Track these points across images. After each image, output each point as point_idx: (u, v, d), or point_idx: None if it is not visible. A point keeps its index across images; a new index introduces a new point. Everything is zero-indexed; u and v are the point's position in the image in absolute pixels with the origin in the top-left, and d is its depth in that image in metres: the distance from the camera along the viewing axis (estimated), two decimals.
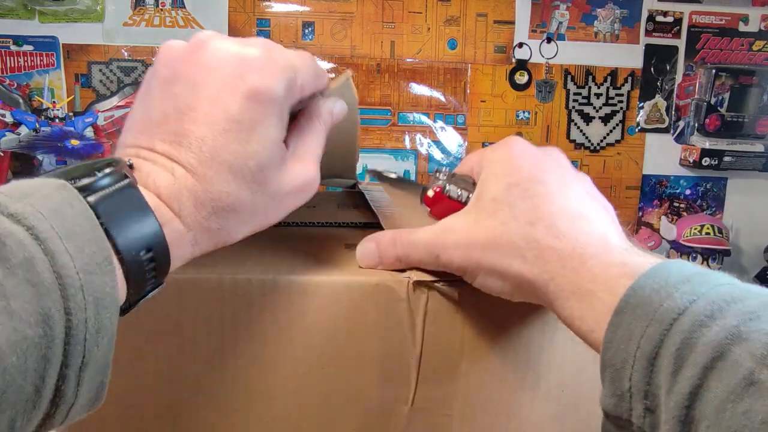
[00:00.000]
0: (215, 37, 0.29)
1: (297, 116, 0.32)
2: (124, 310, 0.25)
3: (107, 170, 0.24)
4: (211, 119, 0.27)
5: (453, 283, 0.32)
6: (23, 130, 1.02)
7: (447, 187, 0.36)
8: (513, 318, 0.33)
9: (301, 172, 0.30)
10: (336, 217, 0.46)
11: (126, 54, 1.10)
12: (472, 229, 0.31)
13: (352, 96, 0.35)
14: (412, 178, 1.18)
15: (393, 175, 0.50)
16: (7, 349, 0.18)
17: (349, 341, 0.32)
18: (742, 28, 1.22)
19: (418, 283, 0.32)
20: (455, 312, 0.32)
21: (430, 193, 0.38)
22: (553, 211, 0.29)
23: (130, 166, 0.26)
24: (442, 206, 0.35)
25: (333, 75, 1.17)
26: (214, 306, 0.31)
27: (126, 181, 0.24)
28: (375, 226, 0.44)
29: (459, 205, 0.34)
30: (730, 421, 0.20)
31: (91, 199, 0.23)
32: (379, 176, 0.52)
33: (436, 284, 0.32)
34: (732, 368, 0.21)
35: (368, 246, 0.33)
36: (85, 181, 0.23)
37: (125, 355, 0.31)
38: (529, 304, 0.31)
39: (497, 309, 0.33)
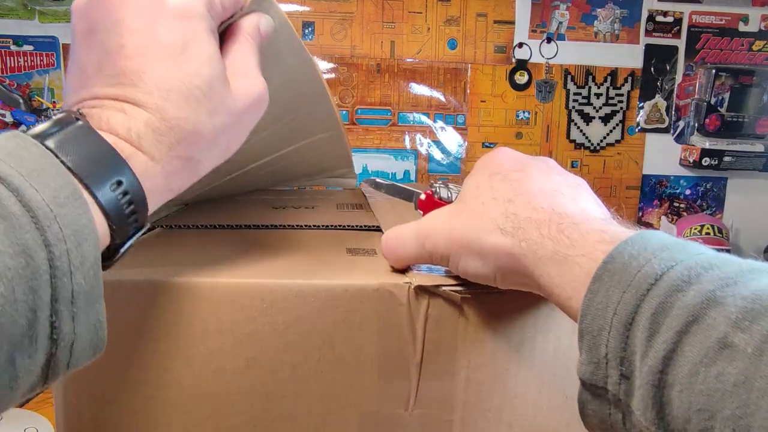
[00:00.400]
0: None
1: (224, 39, 0.31)
2: (112, 255, 0.25)
3: (58, 116, 0.24)
4: (143, 50, 0.26)
5: (454, 288, 0.32)
6: None
7: (437, 190, 0.38)
8: (516, 326, 0.33)
9: (249, 86, 0.30)
10: (336, 220, 0.45)
11: None
12: (455, 213, 0.31)
13: (277, 12, 0.33)
14: (413, 178, 1.18)
15: (388, 182, 0.51)
16: None
17: (348, 346, 0.31)
18: (742, 28, 1.22)
19: (419, 289, 0.31)
20: (456, 318, 0.32)
21: (422, 196, 0.40)
22: (532, 189, 0.30)
23: (80, 114, 0.25)
24: (433, 208, 0.35)
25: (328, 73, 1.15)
26: (209, 310, 0.31)
27: (79, 123, 0.24)
28: (375, 229, 0.44)
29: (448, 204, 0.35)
30: (703, 384, 0.20)
31: (49, 143, 0.23)
32: (375, 185, 0.52)
33: (437, 289, 0.32)
34: (706, 332, 0.21)
35: (383, 243, 0.33)
36: (38, 128, 0.23)
37: (117, 360, 0.31)
38: (533, 312, 0.31)
39: (500, 316, 0.32)
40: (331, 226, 0.43)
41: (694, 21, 1.20)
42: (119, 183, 0.24)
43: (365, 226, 0.44)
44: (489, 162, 0.32)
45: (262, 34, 0.33)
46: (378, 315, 0.31)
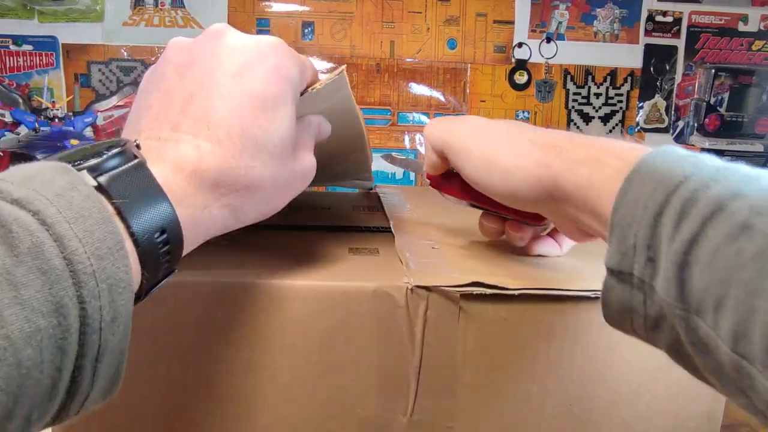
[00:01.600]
0: (229, 27, 0.29)
1: None
2: (138, 297, 0.24)
3: (115, 150, 0.23)
4: (238, 95, 0.26)
5: (453, 287, 0.30)
6: (23, 130, 1.01)
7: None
8: (519, 328, 0.32)
9: (307, 157, 0.31)
10: (348, 220, 0.44)
11: (125, 54, 1.08)
12: (490, 139, 0.34)
13: (346, 90, 0.34)
14: (412, 179, 1.16)
15: (402, 157, 0.52)
16: (21, 341, 0.17)
17: (346, 349, 0.30)
18: (741, 27, 1.20)
19: (417, 288, 0.30)
20: (456, 320, 0.31)
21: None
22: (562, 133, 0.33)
23: (137, 146, 0.25)
24: (444, 177, 0.38)
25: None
26: (207, 309, 0.30)
27: (135, 161, 0.23)
28: (385, 230, 0.43)
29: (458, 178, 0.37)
30: (722, 260, 0.22)
31: (102, 180, 0.22)
32: (390, 159, 0.53)
33: (435, 289, 0.30)
34: (729, 218, 0.23)
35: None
36: (92, 161, 0.22)
37: None
38: (536, 317, 0.30)
39: (502, 317, 0.31)
40: (340, 226, 0.42)
41: (693, 21, 1.18)
42: (163, 231, 0.23)
43: (373, 227, 0.43)
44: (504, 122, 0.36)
45: (321, 134, 0.34)
46: (376, 318, 0.30)
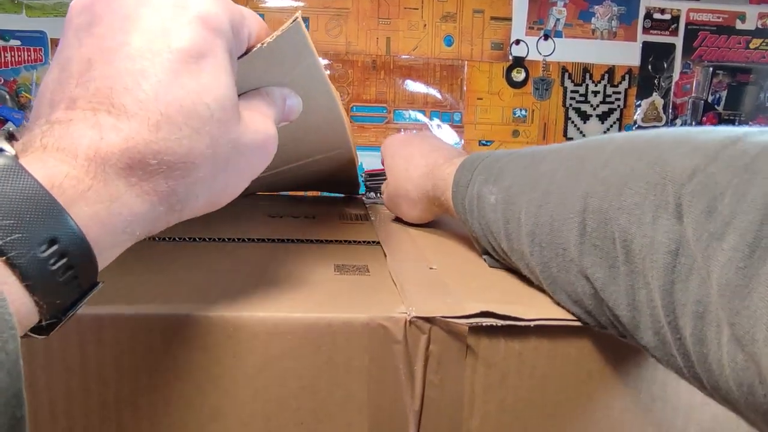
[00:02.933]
0: None
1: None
2: (49, 326, 0.18)
3: None
4: (151, 51, 0.20)
5: (461, 318, 0.25)
6: (10, 127, 0.94)
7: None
8: (536, 368, 0.26)
9: (261, 124, 0.23)
10: (333, 232, 0.38)
11: None
12: (390, 189, 0.48)
13: (305, 44, 0.26)
14: None
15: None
16: None
17: (333, 393, 0.24)
18: (739, 26, 1.15)
19: (417, 320, 0.24)
20: (463, 356, 0.25)
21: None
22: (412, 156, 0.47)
23: (10, 136, 0.18)
24: None
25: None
26: (165, 347, 0.24)
27: (3, 159, 0.17)
28: (374, 243, 0.37)
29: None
30: (476, 208, 0.35)
31: None
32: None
33: (439, 320, 0.25)
34: (483, 198, 0.35)
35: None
36: None
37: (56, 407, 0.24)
38: (554, 352, 0.24)
39: (516, 353, 0.25)
40: (325, 240, 0.37)
41: (691, 18, 1.13)
42: (53, 242, 0.17)
43: (362, 240, 0.37)
44: (386, 152, 0.50)
45: (287, 112, 0.27)
46: (369, 355, 0.24)
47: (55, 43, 0.99)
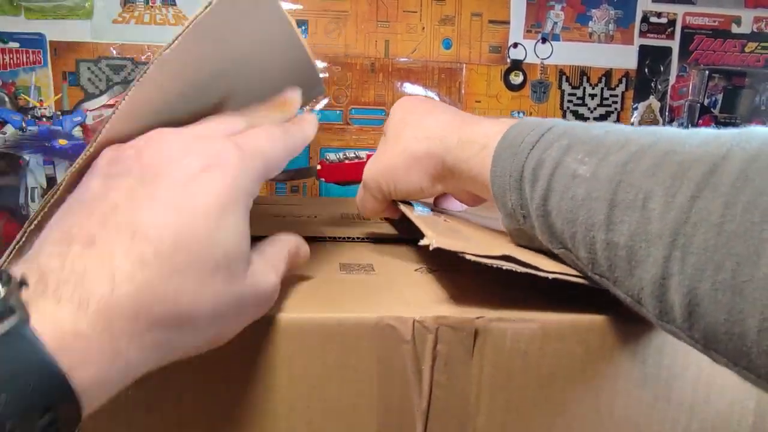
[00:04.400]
0: (170, 131, 0.24)
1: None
2: None
3: None
4: (175, 208, 0.21)
5: (467, 319, 0.25)
6: (8, 130, 0.94)
7: (327, 157, 0.47)
8: (545, 366, 0.26)
9: (266, 276, 0.24)
10: (338, 232, 0.39)
11: (114, 52, 1.02)
12: (380, 151, 0.40)
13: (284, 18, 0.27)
14: None
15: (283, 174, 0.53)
16: None
17: (341, 393, 0.25)
18: (735, 29, 1.16)
19: (425, 319, 0.25)
20: (470, 355, 0.25)
21: (318, 167, 0.46)
22: (436, 115, 0.40)
23: (22, 284, 0.19)
24: (332, 171, 0.45)
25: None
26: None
27: (12, 321, 0.17)
28: (377, 241, 0.37)
29: (341, 164, 0.45)
30: (564, 203, 0.28)
31: None
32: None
33: (445, 319, 0.25)
34: (564, 171, 0.29)
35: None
36: None
37: None
38: (560, 349, 0.25)
39: (522, 351, 0.26)
40: (329, 238, 0.37)
41: (687, 22, 1.14)
42: (47, 410, 0.17)
43: (366, 237, 0.37)
44: (399, 108, 0.42)
45: (300, 256, 0.28)
46: (377, 354, 0.25)
47: (54, 45, 0.99)
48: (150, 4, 1.01)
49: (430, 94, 1.10)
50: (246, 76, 0.29)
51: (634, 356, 0.28)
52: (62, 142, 0.93)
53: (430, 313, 0.25)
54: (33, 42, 0.98)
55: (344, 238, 0.38)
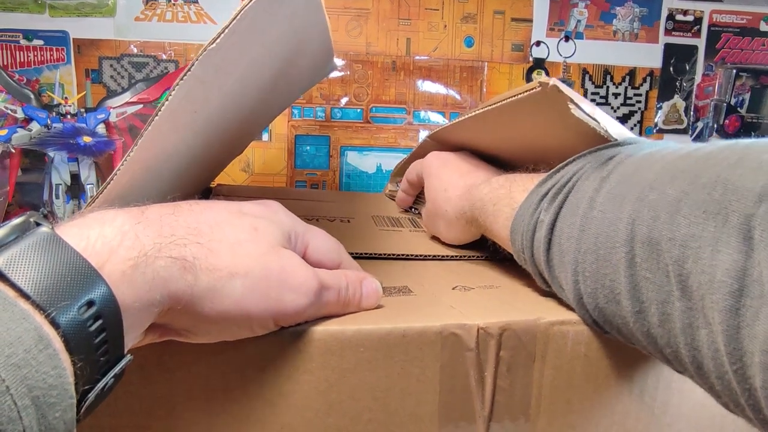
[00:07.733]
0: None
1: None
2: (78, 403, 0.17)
3: (14, 221, 0.18)
4: (248, 254, 0.24)
5: (530, 323, 0.25)
6: (34, 126, 0.95)
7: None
8: (603, 368, 0.26)
9: (302, 264, 0.26)
10: (369, 245, 0.38)
11: (136, 50, 1.02)
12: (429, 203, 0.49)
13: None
14: None
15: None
16: None
17: (404, 403, 0.24)
18: (763, 27, 1.14)
19: (489, 326, 0.24)
20: (532, 360, 0.25)
21: None
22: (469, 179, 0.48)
23: (44, 216, 0.20)
24: None
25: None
26: (231, 368, 0.24)
27: (41, 229, 0.18)
28: (408, 258, 0.37)
29: None
30: (563, 238, 0.30)
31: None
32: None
33: (508, 325, 0.25)
34: (559, 237, 0.31)
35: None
36: None
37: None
38: (618, 352, 0.24)
39: (582, 354, 0.25)
40: (361, 254, 0.36)
41: (714, 20, 1.12)
42: (90, 303, 0.17)
43: (396, 255, 0.37)
44: (431, 168, 0.52)
45: (377, 295, 0.28)
46: (440, 363, 0.24)
47: (78, 42, 1.00)
48: (172, 1, 1.01)
49: (452, 92, 1.09)
50: (286, 60, 0.28)
51: None
52: (87, 139, 0.93)
53: (492, 319, 0.24)
54: (57, 39, 0.99)
55: (374, 255, 0.37)
